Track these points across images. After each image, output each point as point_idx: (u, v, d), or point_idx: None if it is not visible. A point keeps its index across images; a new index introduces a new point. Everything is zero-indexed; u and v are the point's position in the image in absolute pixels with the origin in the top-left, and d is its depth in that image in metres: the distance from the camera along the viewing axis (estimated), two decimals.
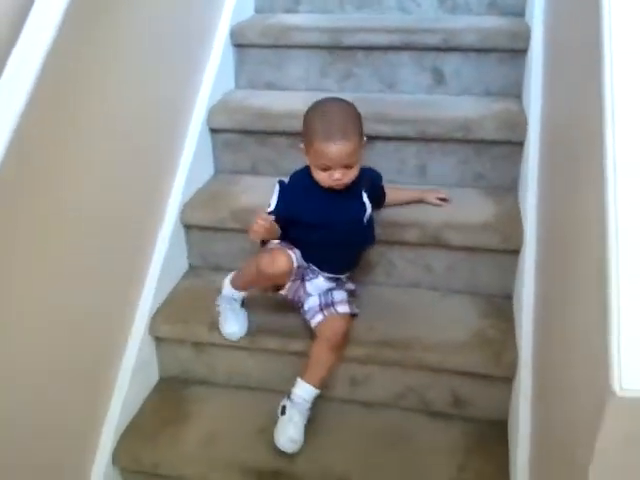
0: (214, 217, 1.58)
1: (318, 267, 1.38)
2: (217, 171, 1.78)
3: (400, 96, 1.78)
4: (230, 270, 1.58)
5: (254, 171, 1.74)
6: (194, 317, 1.48)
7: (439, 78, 1.76)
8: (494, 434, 1.35)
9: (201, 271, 1.65)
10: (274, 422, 1.32)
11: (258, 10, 2.05)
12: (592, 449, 0.66)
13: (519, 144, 1.56)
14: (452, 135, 1.58)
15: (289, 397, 1.32)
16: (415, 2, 1.95)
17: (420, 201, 1.56)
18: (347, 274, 1.44)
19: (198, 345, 1.49)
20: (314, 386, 1.32)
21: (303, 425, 1.31)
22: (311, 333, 1.37)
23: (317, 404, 1.34)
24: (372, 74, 1.79)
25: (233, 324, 1.41)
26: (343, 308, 1.38)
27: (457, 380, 1.38)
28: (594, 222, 0.75)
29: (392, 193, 1.51)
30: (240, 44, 1.84)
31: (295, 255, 1.32)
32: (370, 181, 1.39)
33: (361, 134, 1.28)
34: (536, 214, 1.37)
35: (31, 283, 1.08)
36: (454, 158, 1.62)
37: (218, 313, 1.43)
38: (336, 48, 1.78)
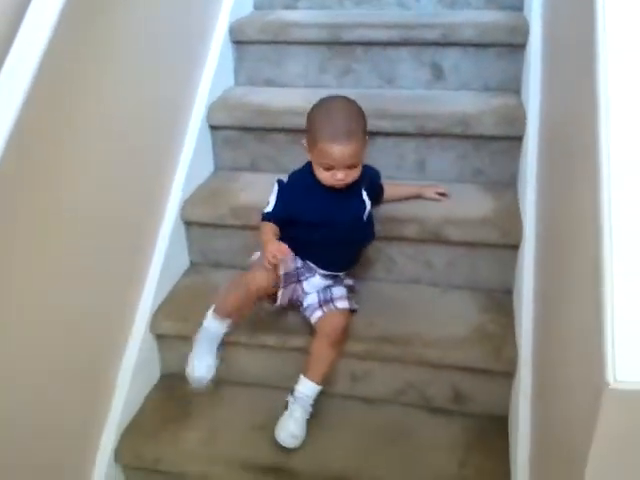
0: (214, 214, 1.58)
1: (318, 265, 1.38)
2: (217, 168, 1.78)
3: (399, 91, 1.77)
4: (230, 267, 1.60)
5: (254, 168, 1.75)
6: (195, 314, 1.47)
7: (438, 73, 1.76)
8: (494, 429, 1.35)
9: (202, 268, 1.66)
10: (275, 419, 1.32)
11: (257, 6, 2.05)
12: (589, 444, 0.66)
13: (518, 139, 1.56)
14: (451, 130, 1.58)
15: (292, 393, 1.33)
16: None
17: (418, 196, 1.56)
18: (346, 272, 1.44)
19: None
20: (316, 382, 1.32)
21: (304, 421, 1.32)
22: (311, 329, 1.38)
23: (318, 400, 1.34)
24: (371, 70, 1.79)
25: (203, 367, 1.34)
26: (342, 304, 1.38)
27: (457, 375, 1.38)
28: (589, 219, 0.75)
29: (390, 189, 1.51)
30: (239, 41, 1.84)
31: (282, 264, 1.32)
32: (369, 178, 1.38)
33: (365, 134, 1.28)
34: (535, 210, 1.37)
35: (30, 283, 1.08)
36: (453, 153, 1.62)
37: (191, 346, 1.35)
38: (335, 44, 1.78)
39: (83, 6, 1.12)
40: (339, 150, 1.23)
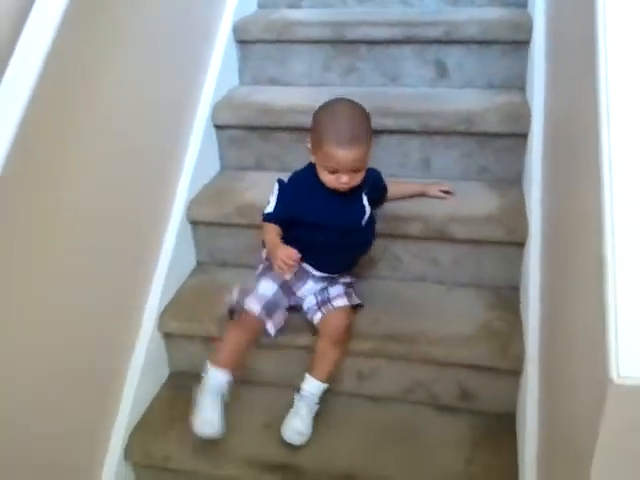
0: (219, 213, 1.59)
1: (313, 267, 1.38)
2: (223, 167, 1.79)
3: (403, 89, 1.78)
4: (237, 266, 1.60)
5: (259, 167, 1.75)
6: (202, 313, 1.49)
7: (442, 71, 1.76)
8: (501, 427, 1.36)
9: (208, 267, 1.66)
10: (282, 417, 1.33)
11: (261, 5, 2.05)
12: (595, 440, 0.66)
13: (523, 136, 1.55)
14: (455, 128, 1.58)
15: (298, 391, 1.33)
16: None
17: (423, 194, 1.55)
18: (345, 275, 1.43)
19: (207, 340, 1.49)
20: (321, 381, 1.33)
21: (310, 418, 1.32)
22: (315, 328, 1.38)
23: (324, 398, 1.35)
24: (375, 68, 1.79)
25: (207, 425, 1.27)
26: (340, 302, 1.37)
27: (464, 373, 1.38)
28: (592, 217, 0.75)
29: (394, 187, 1.51)
30: (243, 40, 1.84)
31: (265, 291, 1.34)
32: (372, 181, 1.37)
33: (370, 139, 1.27)
34: (540, 207, 1.37)
35: (36, 283, 1.09)
36: (457, 151, 1.62)
37: (194, 404, 1.28)
38: (339, 42, 1.78)
39: (86, 6, 1.12)
40: (345, 154, 1.22)
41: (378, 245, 1.51)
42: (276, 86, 1.86)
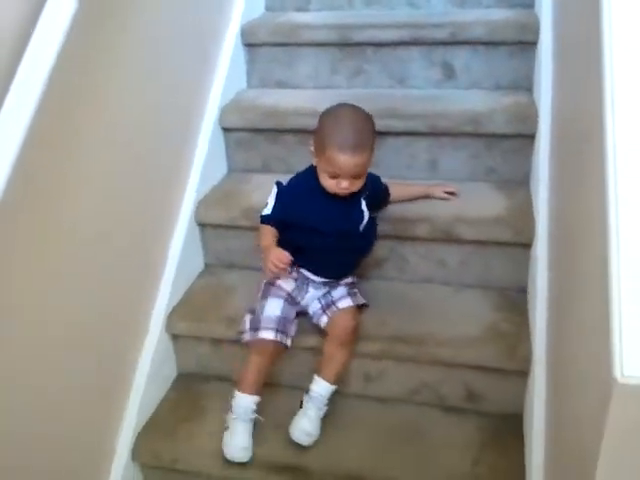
0: (226, 215, 1.60)
1: (312, 272, 1.38)
2: (230, 170, 1.80)
3: (410, 91, 1.78)
4: (244, 268, 1.61)
5: (265, 169, 1.76)
6: (210, 314, 1.50)
7: (449, 72, 1.76)
8: (508, 428, 1.35)
9: (216, 269, 1.67)
10: (290, 418, 1.33)
11: (269, 8, 2.07)
12: (600, 440, 0.66)
13: (530, 137, 1.55)
14: (462, 129, 1.58)
15: (307, 393, 1.34)
16: None
17: (427, 196, 1.55)
18: (344, 279, 1.43)
19: (215, 342, 1.51)
20: (330, 382, 1.34)
21: (319, 419, 1.33)
22: (323, 331, 1.39)
23: (332, 400, 1.35)
24: (382, 70, 1.80)
25: (238, 450, 1.30)
26: (345, 303, 1.38)
27: (471, 374, 1.38)
28: (597, 218, 0.75)
29: (397, 190, 1.50)
30: (251, 43, 1.85)
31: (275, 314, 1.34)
32: (371, 185, 1.36)
33: (373, 145, 1.28)
34: (547, 208, 1.36)
35: (37, 284, 1.08)
36: (465, 152, 1.62)
37: (225, 429, 1.32)
38: (346, 45, 1.79)
39: (93, 11, 1.13)
40: (347, 160, 1.22)
41: (385, 246, 1.52)
42: (283, 89, 1.87)
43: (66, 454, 1.22)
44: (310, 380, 1.35)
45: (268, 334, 1.31)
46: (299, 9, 2.04)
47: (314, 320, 1.40)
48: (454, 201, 1.54)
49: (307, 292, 1.39)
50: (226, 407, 1.34)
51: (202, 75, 1.70)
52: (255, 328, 1.33)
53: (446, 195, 1.55)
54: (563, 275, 1.13)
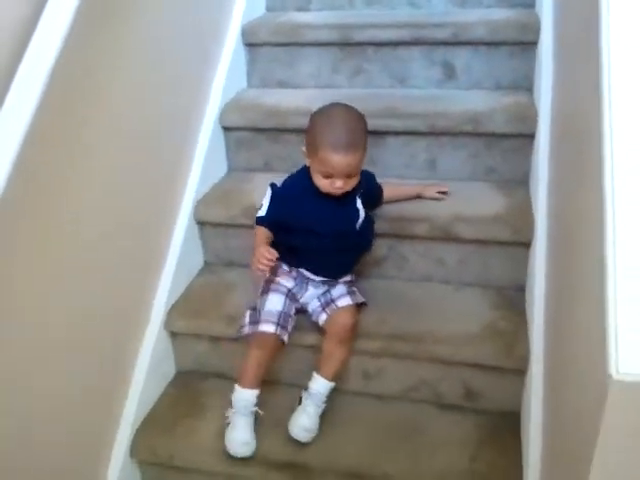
0: (226, 214, 1.60)
1: (311, 272, 1.39)
2: (230, 169, 1.80)
3: (410, 91, 1.78)
4: (243, 266, 1.61)
5: (267, 168, 1.76)
6: (209, 312, 1.50)
7: (450, 72, 1.76)
8: (506, 426, 1.36)
9: (215, 267, 1.68)
10: (289, 415, 1.34)
11: (269, 8, 2.07)
12: (596, 437, 0.66)
13: (530, 137, 1.56)
14: (462, 128, 1.58)
15: (306, 390, 1.34)
16: None
17: (419, 196, 1.55)
18: (344, 278, 1.43)
19: (214, 339, 1.51)
20: (328, 379, 1.34)
21: (317, 416, 1.33)
22: (321, 329, 1.39)
23: (331, 397, 1.36)
24: (382, 69, 1.80)
25: (240, 445, 1.29)
26: (344, 301, 1.38)
27: (469, 372, 1.38)
28: (594, 217, 0.75)
29: (390, 190, 1.50)
30: (252, 43, 1.86)
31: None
32: (365, 183, 1.36)
33: (366, 144, 1.28)
34: (546, 207, 1.37)
35: (38, 284, 1.09)
36: (464, 152, 1.63)
37: (227, 425, 1.32)
38: (346, 45, 1.79)
39: (95, 10, 1.13)
40: (340, 160, 1.22)
41: (384, 245, 1.52)
42: (284, 88, 1.88)
43: (65, 452, 1.22)
44: (309, 377, 1.35)
45: (269, 327, 1.32)
46: (300, 9, 2.05)
47: (313, 318, 1.41)
48: (453, 200, 1.54)
49: (307, 290, 1.40)
50: (225, 404, 1.34)
51: (203, 75, 1.70)
52: (255, 321, 1.34)
53: (438, 195, 1.54)
54: (562, 274, 1.13)
